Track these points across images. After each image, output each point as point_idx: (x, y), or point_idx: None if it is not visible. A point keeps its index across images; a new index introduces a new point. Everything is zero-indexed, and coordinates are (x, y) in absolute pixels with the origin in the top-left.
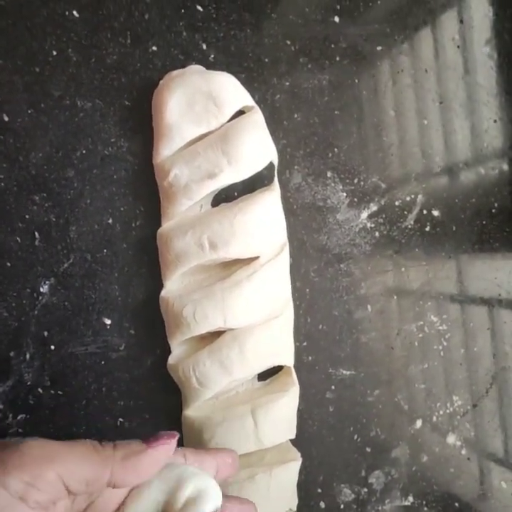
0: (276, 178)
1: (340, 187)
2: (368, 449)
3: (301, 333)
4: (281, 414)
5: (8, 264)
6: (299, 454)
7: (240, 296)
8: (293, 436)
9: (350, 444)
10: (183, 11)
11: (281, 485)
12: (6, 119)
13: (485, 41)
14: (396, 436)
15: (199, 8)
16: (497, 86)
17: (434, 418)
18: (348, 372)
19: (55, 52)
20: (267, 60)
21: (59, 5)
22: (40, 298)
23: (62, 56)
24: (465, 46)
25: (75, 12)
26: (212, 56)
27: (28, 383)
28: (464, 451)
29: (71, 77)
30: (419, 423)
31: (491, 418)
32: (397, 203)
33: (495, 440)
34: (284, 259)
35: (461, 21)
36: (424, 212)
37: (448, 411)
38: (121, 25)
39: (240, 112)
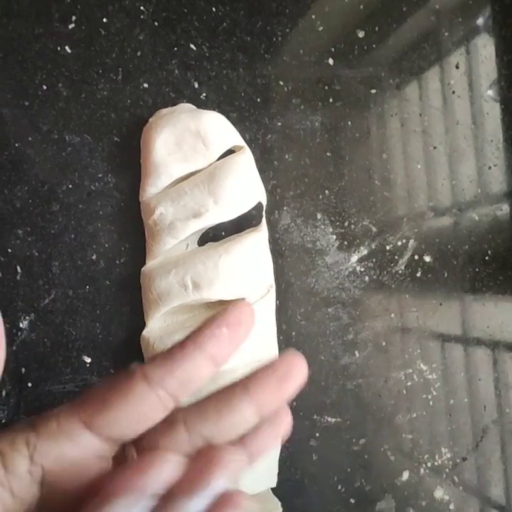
0: (264, 219)
1: (330, 229)
2: (352, 500)
3: None
4: (261, 462)
5: None
6: (279, 504)
7: None
8: (273, 485)
9: (333, 494)
10: (175, 48)
11: None
12: None
13: (482, 87)
14: (382, 488)
15: (192, 46)
16: (492, 132)
17: (422, 470)
18: (333, 420)
19: (45, 87)
20: (259, 100)
21: (51, 40)
22: (19, 334)
23: (52, 90)
24: (460, 92)
25: (67, 47)
26: (204, 95)
27: (3, 421)
28: (452, 506)
29: (60, 111)
30: (406, 474)
31: (481, 472)
32: (388, 248)
33: (485, 496)
34: (270, 302)
35: (457, 67)
36: (416, 257)
37: (436, 463)
38: (112, 61)
39: (230, 151)
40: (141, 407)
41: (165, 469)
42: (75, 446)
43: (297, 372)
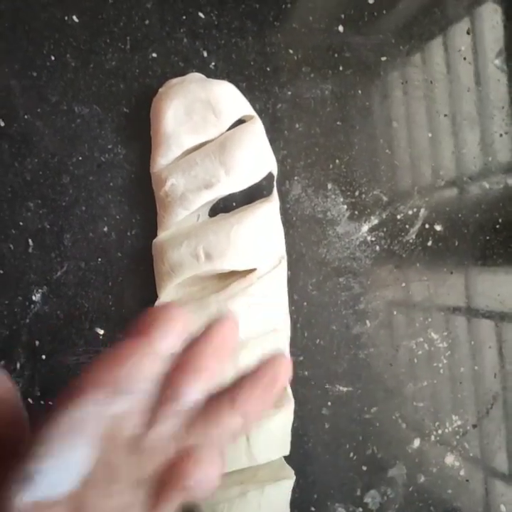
0: (275, 189)
1: (341, 199)
2: (364, 468)
3: (298, 347)
4: (275, 431)
5: (1, 271)
6: (292, 472)
7: (234, 309)
8: (287, 453)
9: (345, 462)
10: (184, 17)
11: (274, 503)
12: (2, 124)
13: (493, 53)
14: (393, 455)
15: (201, 14)
16: (504, 99)
17: (433, 437)
18: (345, 389)
19: (53, 57)
20: (268, 68)
21: (58, 9)
22: (32, 306)
23: (60, 61)
24: (472, 58)
25: (74, 17)
26: (213, 64)
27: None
28: (462, 472)
29: (69, 82)
30: (417, 442)
31: (491, 439)
32: (398, 217)
33: (495, 461)
34: (282, 272)
35: (469, 32)
36: (427, 226)
37: (447, 430)
38: (120, 30)
39: (240, 121)
40: None
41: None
42: None
43: (281, 375)
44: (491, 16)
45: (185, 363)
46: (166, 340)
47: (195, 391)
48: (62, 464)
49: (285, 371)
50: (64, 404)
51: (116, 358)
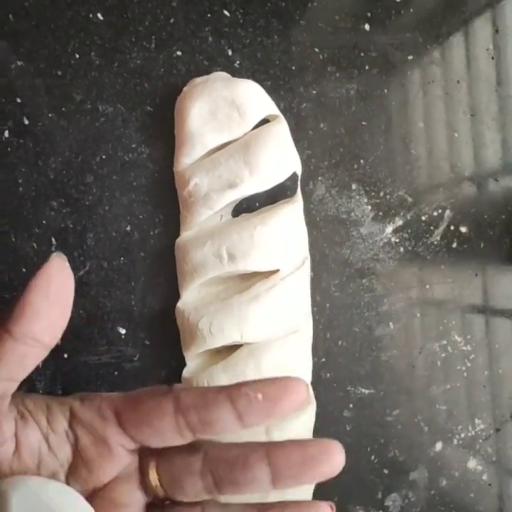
0: (299, 190)
1: (365, 200)
2: (386, 471)
3: (320, 349)
4: (296, 433)
5: (24, 270)
6: None
7: (257, 309)
8: None
9: (366, 464)
10: (209, 15)
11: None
12: (27, 122)
13: None
14: (415, 459)
15: (226, 13)
16: None
17: (455, 441)
18: (367, 391)
19: (77, 56)
20: (293, 67)
21: (83, 7)
22: None
23: (85, 59)
24: (499, 57)
25: (99, 15)
26: (238, 63)
27: (40, 392)
28: (485, 477)
29: (93, 81)
30: (439, 446)
31: None
32: (423, 218)
33: None
34: (305, 273)
35: (497, 31)
36: (452, 228)
37: (470, 434)
38: (145, 29)
39: (264, 121)
40: (164, 426)
41: None
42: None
43: (329, 459)
44: None
45: None
46: None
47: None
48: None
49: (333, 457)
50: None
51: None
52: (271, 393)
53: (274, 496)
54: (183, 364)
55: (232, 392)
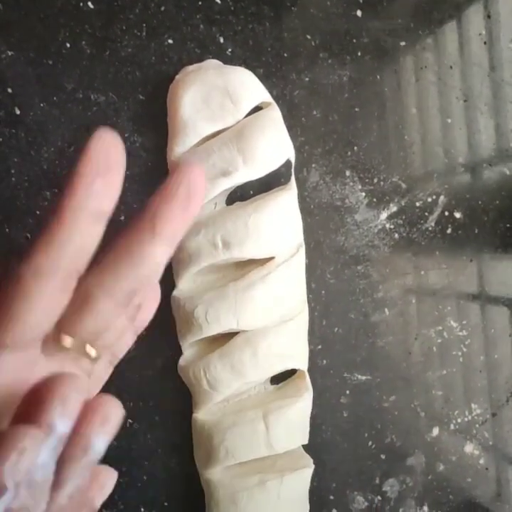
0: (293, 177)
1: (359, 186)
2: (383, 456)
3: (316, 336)
4: (293, 420)
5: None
6: (311, 461)
7: (253, 297)
8: (305, 442)
9: (364, 450)
10: (200, 3)
11: (293, 492)
12: (18, 112)
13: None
14: (412, 444)
15: (217, 0)
16: None
17: (452, 426)
18: (364, 377)
19: (68, 45)
20: (286, 54)
21: None
22: None
23: (76, 48)
24: (491, 42)
25: (89, 3)
26: (230, 50)
27: None
28: (481, 461)
29: (84, 70)
30: (436, 431)
31: (511, 427)
32: (417, 204)
33: None
34: (300, 260)
35: (489, 16)
36: (446, 213)
37: (466, 419)
38: (136, 17)
39: (257, 108)
40: (44, 301)
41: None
42: None
43: (198, 183)
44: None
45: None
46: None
47: (104, 439)
48: None
49: (200, 177)
50: None
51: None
52: (101, 170)
53: (271, 483)
54: (180, 353)
55: (72, 198)
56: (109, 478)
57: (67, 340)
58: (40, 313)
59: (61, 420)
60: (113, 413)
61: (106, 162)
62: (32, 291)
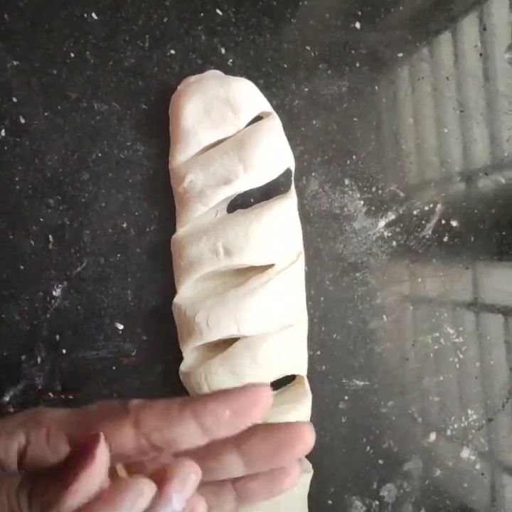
0: (293, 186)
1: (358, 195)
2: (381, 462)
3: (315, 342)
4: None
5: (22, 267)
6: (310, 466)
7: (253, 303)
8: None
9: (362, 455)
10: (202, 14)
11: (292, 496)
12: (23, 121)
13: (507, 49)
14: (409, 449)
15: (218, 11)
16: None
17: (449, 431)
18: (362, 383)
19: (72, 55)
20: (285, 65)
21: (77, 7)
22: (53, 301)
23: (80, 58)
24: (487, 54)
25: (93, 14)
26: (231, 61)
27: (39, 387)
28: (478, 466)
29: (88, 79)
30: (432, 436)
31: (507, 433)
32: (415, 212)
33: (510, 456)
34: (299, 268)
35: (484, 29)
36: (443, 222)
37: (462, 425)
38: (139, 28)
39: (258, 118)
40: (125, 448)
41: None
42: (57, 457)
43: (301, 442)
44: (501, 11)
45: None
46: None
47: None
48: None
49: (305, 440)
50: None
51: None
52: (239, 407)
53: None
54: (180, 358)
55: (198, 408)
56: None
57: None
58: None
59: (178, 495)
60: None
61: (245, 404)
62: (122, 431)
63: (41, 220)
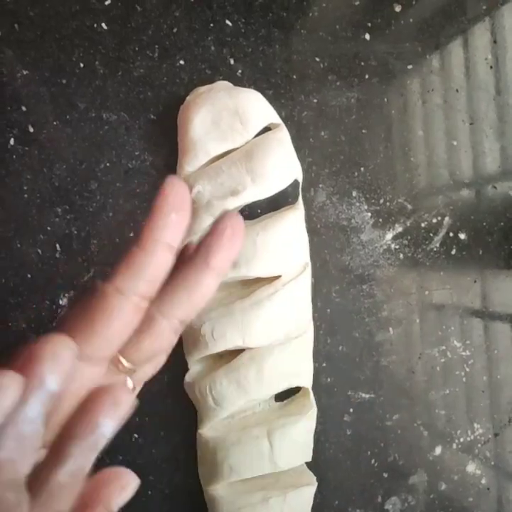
0: (300, 197)
1: (365, 207)
2: (385, 475)
3: (321, 354)
4: (297, 437)
5: (29, 275)
6: (314, 478)
7: (259, 315)
8: (309, 460)
9: (367, 468)
10: (211, 25)
11: (296, 509)
12: (32, 130)
13: None
14: (414, 463)
15: (228, 22)
16: None
17: (454, 445)
18: (367, 396)
19: (82, 65)
20: (294, 76)
21: (87, 17)
22: (59, 311)
23: (89, 68)
24: (497, 67)
25: (103, 24)
26: (240, 71)
27: None
28: (483, 481)
29: (97, 89)
30: (438, 450)
31: None
32: (423, 225)
33: None
34: (306, 279)
35: (495, 41)
36: (451, 234)
37: (469, 439)
38: (149, 38)
39: (266, 129)
40: (123, 319)
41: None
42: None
43: (237, 229)
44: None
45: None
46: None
47: (112, 422)
48: None
49: (240, 223)
50: None
51: None
52: (177, 206)
53: (274, 500)
54: (186, 369)
55: (151, 231)
56: (131, 482)
57: (124, 365)
58: (117, 331)
59: (51, 375)
60: (124, 399)
61: (178, 201)
62: (113, 308)
63: (49, 228)
